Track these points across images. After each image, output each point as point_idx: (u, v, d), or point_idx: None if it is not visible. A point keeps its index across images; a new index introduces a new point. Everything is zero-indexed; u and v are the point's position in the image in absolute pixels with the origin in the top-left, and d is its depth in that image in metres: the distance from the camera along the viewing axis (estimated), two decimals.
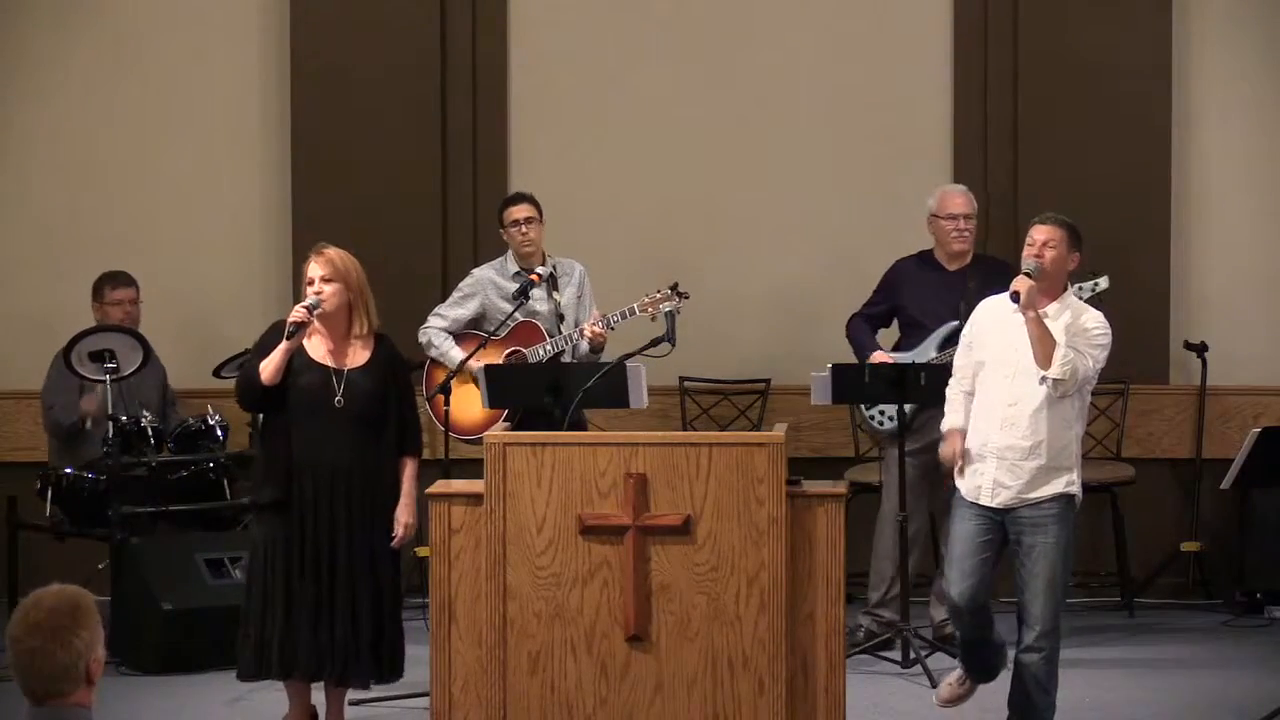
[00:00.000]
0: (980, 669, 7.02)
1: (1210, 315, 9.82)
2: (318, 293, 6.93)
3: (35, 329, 9.77)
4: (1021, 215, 9.71)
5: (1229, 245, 9.86)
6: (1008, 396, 6.75)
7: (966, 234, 8.68)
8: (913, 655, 8.19)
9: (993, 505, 6.74)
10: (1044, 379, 6.65)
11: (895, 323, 8.85)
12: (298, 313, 6.91)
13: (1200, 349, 9.66)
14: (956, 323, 8.40)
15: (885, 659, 8.31)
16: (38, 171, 10.04)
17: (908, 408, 8.40)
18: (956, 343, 7.78)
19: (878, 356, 8.60)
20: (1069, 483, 6.72)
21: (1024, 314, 6.66)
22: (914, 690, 7.94)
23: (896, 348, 8.74)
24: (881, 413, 8.63)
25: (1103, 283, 8.26)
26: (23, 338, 9.88)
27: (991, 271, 8.64)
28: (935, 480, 8.41)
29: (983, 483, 6.76)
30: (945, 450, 7.01)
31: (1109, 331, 6.77)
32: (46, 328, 9.53)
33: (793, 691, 6.52)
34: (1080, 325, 6.73)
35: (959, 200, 8.72)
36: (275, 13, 9.96)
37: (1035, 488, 6.70)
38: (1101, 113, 9.73)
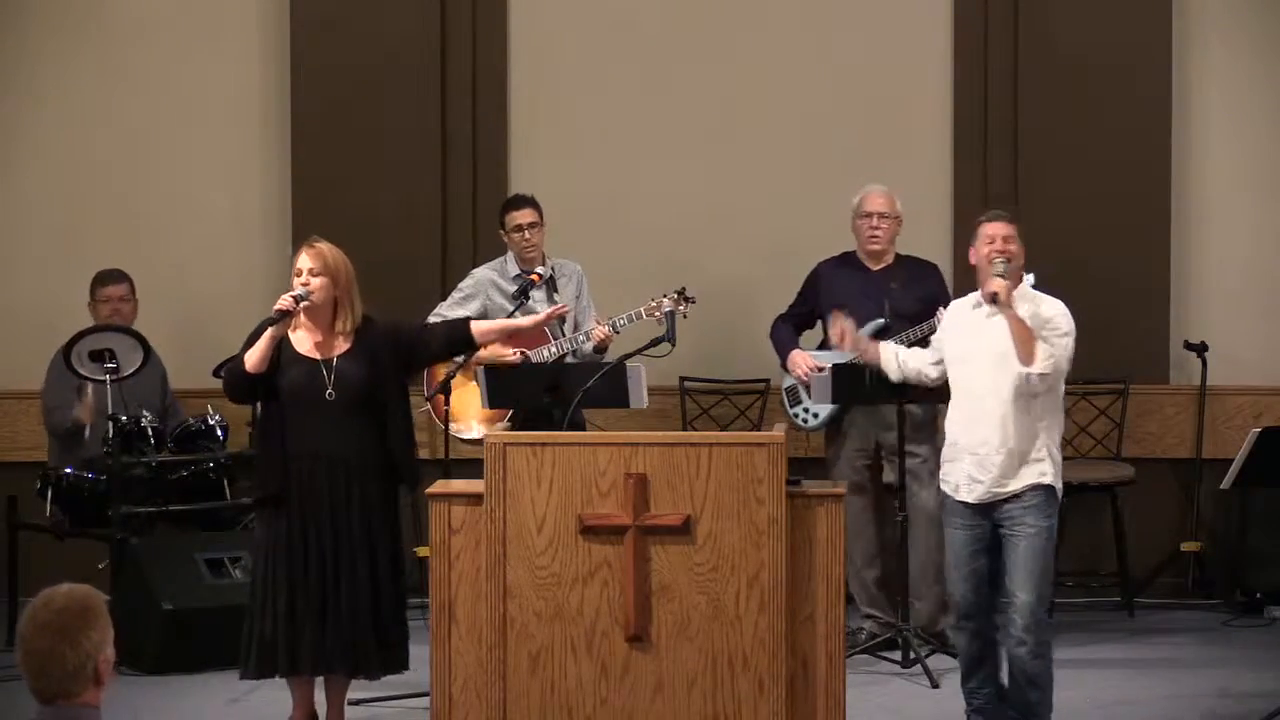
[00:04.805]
0: (980, 697, 6.99)
1: (1210, 315, 9.81)
2: (305, 284, 6.93)
3: (35, 329, 9.76)
4: (1022, 215, 9.70)
5: (1229, 245, 9.85)
6: (977, 393, 6.82)
7: (878, 232, 8.67)
8: (913, 655, 8.18)
9: (970, 501, 6.80)
10: (1029, 375, 6.70)
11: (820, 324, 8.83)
12: (284, 301, 6.91)
13: (1200, 349, 9.66)
14: (883, 320, 8.42)
15: (885, 659, 8.30)
16: (38, 171, 10.04)
17: (833, 408, 8.47)
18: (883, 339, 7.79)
19: (796, 356, 8.65)
20: (1042, 473, 6.76)
21: (1004, 313, 6.73)
22: (914, 690, 7.94)
23: (822, 347, 8.72)
24: (806, 410, 8.65)
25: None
26: (23, 338, 9.88)
27: (915, 272, 8.65)
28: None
29: (959, 480, 6.84)
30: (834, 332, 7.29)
31: (1070, 317, 6.85)
32: (46, 328, 9.52)
33: (793, 691, 6.52)
34: (1043, 316, 6.81)
35: (875, 200, 8.70)
36: (275, 13, 9.96)
37: (1006, 481, 6.75)
38: (1101, 113, 9.73)
